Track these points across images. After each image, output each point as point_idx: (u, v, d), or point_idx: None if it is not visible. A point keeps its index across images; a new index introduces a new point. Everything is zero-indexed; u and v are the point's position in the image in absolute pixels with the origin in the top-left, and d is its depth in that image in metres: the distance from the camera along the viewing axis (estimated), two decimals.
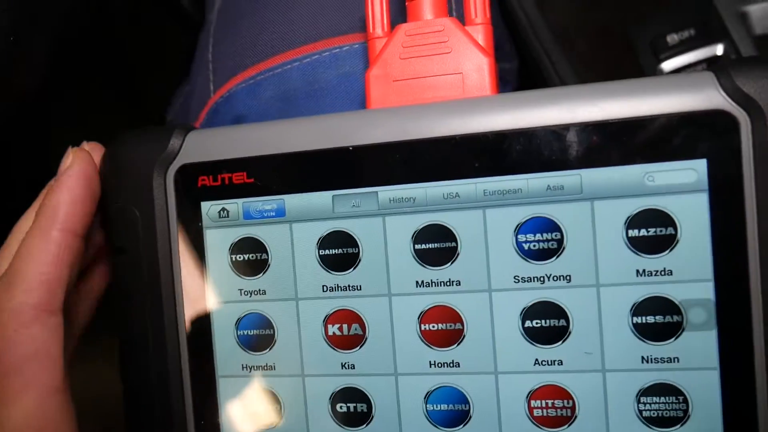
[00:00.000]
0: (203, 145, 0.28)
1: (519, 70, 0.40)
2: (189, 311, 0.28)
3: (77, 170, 0.27)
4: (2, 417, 0.24)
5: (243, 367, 0.28)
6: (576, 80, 0.36)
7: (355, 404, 0.27)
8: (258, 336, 0.28)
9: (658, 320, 0.24)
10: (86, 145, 0.29)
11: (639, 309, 0.24)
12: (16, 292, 0.25)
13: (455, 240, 0.26)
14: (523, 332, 0.25)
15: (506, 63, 0.38)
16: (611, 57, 0.36)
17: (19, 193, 0.30)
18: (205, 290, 0.28)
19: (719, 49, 0.33)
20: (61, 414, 0.25)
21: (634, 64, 0.35)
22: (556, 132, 0.24)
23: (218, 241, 0.28)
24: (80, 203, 0.27)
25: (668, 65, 0.34)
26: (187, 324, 0.28)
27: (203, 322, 0.28)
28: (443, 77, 0.27)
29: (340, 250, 0.27)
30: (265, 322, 0.28)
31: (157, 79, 0.49)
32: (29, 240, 0.26)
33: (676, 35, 0.34)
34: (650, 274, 0.24)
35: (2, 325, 0.25)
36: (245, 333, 0.28)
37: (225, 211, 0.28)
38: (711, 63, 0.33)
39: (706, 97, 0.23)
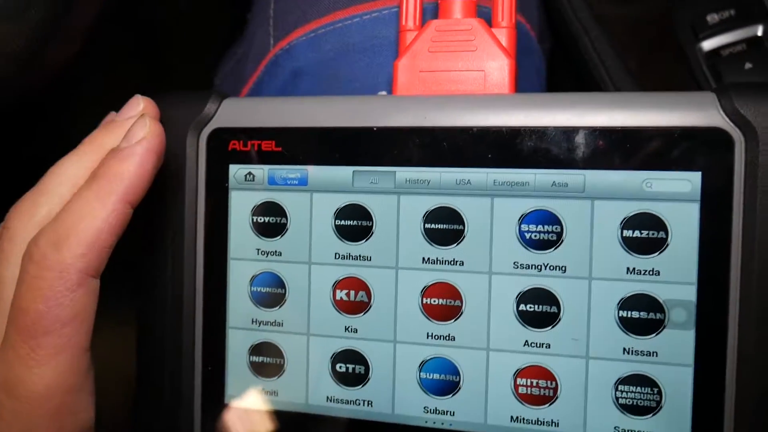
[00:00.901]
0: (237, 112, 0.30)
1: (552, 50, 0.41)
2: (208, 264, 0.30)
3: (152, 145, 0.26)
4: (36, 375, 0.24)
5: (252, 321, 0.30)
6: (614, 59, 0.37)
7: (354, 365, 0.29)
8: (270, 294, 0.30)
9: (642, 316, 0.26)
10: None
11: (626, 304, 0.26)
12: (67, 255, 0.24)
13: (463, 223, 0.28)
14: (516, 314, 0.27)
15: (542, 43, 0.40)
16: (651, 36, 0.37)
17: (41, 166, 0.30)
18: (224, 246, 0.30)
19: (759, 30, 0.34)
20: (87, 372, 0.26)
21: (673, 43, 0.35)
22: (566, 133, 0.26)
23: (242, 202, 0.30)
24: (146, 179, 0.26)
25: (707, 45, 0.34)
26: (205, 275, 0.30)
27: (220, 275, 0.30)
28: (467, 73, 0.29)
29: (355, 222, 0.29)
30: (277, 282, 0.30)
31: (188, 59, 0.50)
32: (86, 202, 0.25)
33: (716, 15, 0.34)
34: (639, 272, 0.26)
35: (48, 286, 0.24)
36: (258, 290, 0.30)
37: (251, 175, 0.30)
38: (750, 44, 0.34)
39: (706, 115, 0.25)
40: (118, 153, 0.26)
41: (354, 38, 0.35)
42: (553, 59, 0.41)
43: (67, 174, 0.27)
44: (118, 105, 0.30)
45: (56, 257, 0.24)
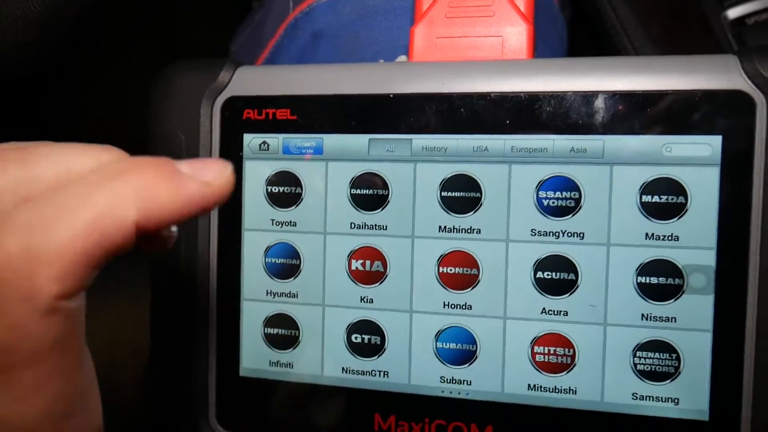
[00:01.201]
0: (251, 80, 0.30)
1: (572, 19, 0.41)
2: (222, 235, 0.30)
3: (218, 190, 0.20)
4: (19, 412, 0.18)
5: (267, 293, 0.30)
6: (637, 28, 0.37)
7: (369, 336, 0.29)
8: (285, 264, 0.30)
9: (660, 281, 0.26)
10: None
11: (644, 270, 0.26)
12: (39, 274, 0.17)
13: (480, 191, 0.28)
14: (534, 282, 0.27)
15: (564, 11, 0.39)
16: (675, 4, 0.36)
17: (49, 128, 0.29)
18: (239, 217, 0.30)
19: None
20: (87, 388, 0.20)
21: (697, 11, 0.35)
22: (585, 98, 0.26)
23: (256, 172, 0.30)
24: (180, 212, 0.19)
25: (732, 13, 0.34)
26: (219, 247, 0.30)
27: (234, 246, 0.30)
28: (484, 39, 0.29)
29: (371, 191, 0.29)
30: (292, 252, 0.30)
31: (202, 25, 0.50)
32: (84, 200, 0.17)
33: None
34: (658, 238, 0.26)
35: (14, 311, 0.17)
36: (273, 261, 0.30)
37: (266, 144, 0.30)
38: None
39: (728, 78, 0.25)
40: (167, 166, 0.19)
41: (374, 0, 0.35)
42: (574, 29, 0.41)
43: (68, 161, 0.19)
44: (129, 76, 0.30)
45: (24, 274, 0.17)
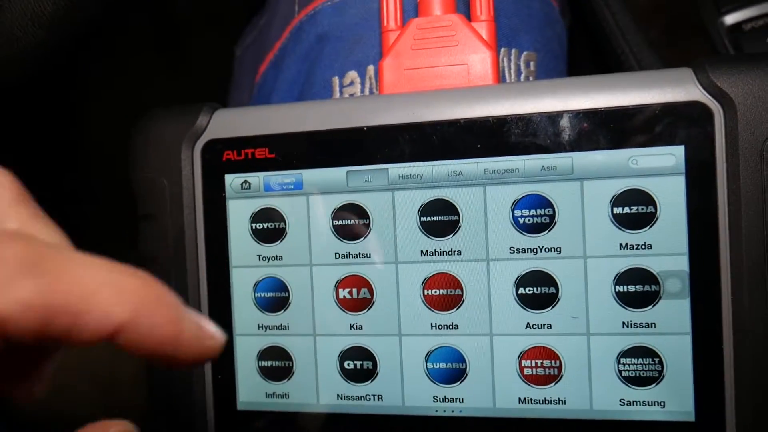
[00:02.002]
0: (229, 122, 0.31)
1: (572, 27, 0.41)
2: (210, 274, 0.31)
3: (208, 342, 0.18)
4: None
5: (259, 327, 0.31)
6: (635, 34, 0.37)
7: (361, 362, 0.30)
8: (274, 298, 0.30)
9: (638, 289, 0.27)
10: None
11: (621, 279, 0.27)
12: None
13: (458, 213, 0.28)
14: (516, 298, 0.28)
15: (564, 17, 0.40)
16: (673, 9, 0.37)
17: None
18: (226, 255, 0.31)
19: None
20: None
21: (695, 17, 0.35)
22: (551, 118, 0.27)
23: (240, 210, 0.31)
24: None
25: (730, 19, 0.35)
26: (209, 286, 0.31)
27: (223, 284, 0.31)
28: (450, 67, 0.30)
29: (352, 221, 0.29)
30: (281, 286, 0.30)
31: (207, 30, 0.51)
32: None
33: None
34: (632, 247, 0.27)
35: None
36: (262, 295, 0.31)
37: (247, 183, 0.30)
38: None
39: (684, 90, 0.26)
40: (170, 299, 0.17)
41: (378, 3, 0.35)
42: (573, 35, 0.41)
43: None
44: (131, 85, 0.30)
45: None
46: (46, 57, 0.35)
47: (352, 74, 0.34)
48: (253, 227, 0.31)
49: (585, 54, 0.43)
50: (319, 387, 0.30)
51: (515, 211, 0.28)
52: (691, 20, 0.37)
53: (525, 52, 0.34)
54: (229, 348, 0.31)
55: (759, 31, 0.35)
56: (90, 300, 0.15)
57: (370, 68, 0.34)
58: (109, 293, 0.15)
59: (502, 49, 0.33)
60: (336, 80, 0.34)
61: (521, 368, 0.28)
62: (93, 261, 0.16)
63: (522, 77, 0.34)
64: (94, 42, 0.44)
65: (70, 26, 0.34)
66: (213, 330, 0.18)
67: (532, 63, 0.34)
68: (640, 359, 0.27)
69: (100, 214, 0.49)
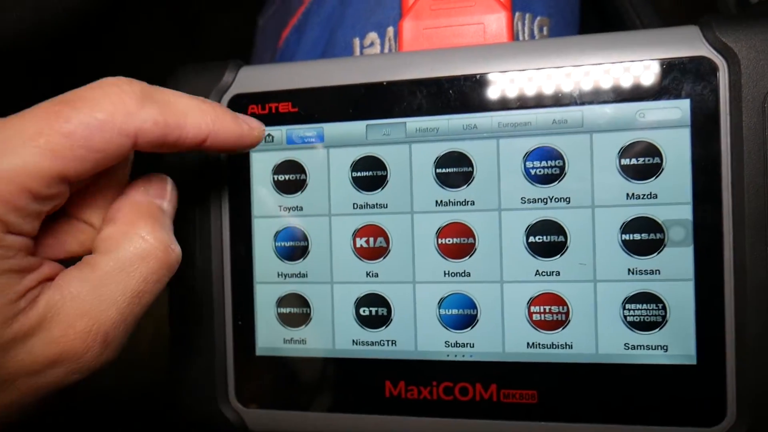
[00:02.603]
0: (254, 78, 0.32)
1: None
2: (233, 224, 0.32)
3: (254, 136, 0.26)
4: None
5: (278, 275, 0.32)
6: (646, 4, 0.38)
7: (376, 308, 0.31)
8: (293, 247, 0.32)
9: (643, 237, 0.28)
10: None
11: (627, 227, 0.28)
12: None
13: (472, 165, 0.30)
14: (527, 246, 0.29)
15: None
16: None
17: None
18: (248, 206, 0.32)
19: None
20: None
21: None
22: (563, 73, 0.29)
23: (263, 163, 0.32)
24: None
25: None
26: (231, 234, 0.32)
27: (245, 234, 0.32)
28: (467, 27, 0.31)
29: (370, 173, 0.31)
30: (300, 235, 0.32)
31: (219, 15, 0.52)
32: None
33: None
34: (638, 197, 0.28)
35: None
36: (282, 245, 0.32)
37: (270, 137, 0.32)
38: None
39: (691, 45, 0.28)
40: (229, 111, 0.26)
41: None
42: (584, 7, 0.42)
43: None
44: (151, 51, 0.31)
45: None
46: (71, 23, 0.36)
47: (372, 35, 0.36)
48: (275, 179, 0.32)
49: (596, 24, 0.44)
50: (335, 333, 0.31)
51: (527, 163, 0.29)
52: None
53: (539, 17, 0.35)
54: (249, 295, 0.32)
55: (767, 4, 0.36)
56: (187, 119, 0.23)
57: (390, 29, 0.35)
58: (197, 113, 0.24)
59: (517, 13, 0.35)
60: (357, 41, 0.36)
61: (530, 314, 0.29)
62: (180, 94, 0.24)
63: None
64: (114, 16, 0.45)
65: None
66: (256, 123, 0.26)
67: (545, 28, 0.35)
68: (644, 305, 0.28)
69: None
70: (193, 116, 0.23)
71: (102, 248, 0.23)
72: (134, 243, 0.23)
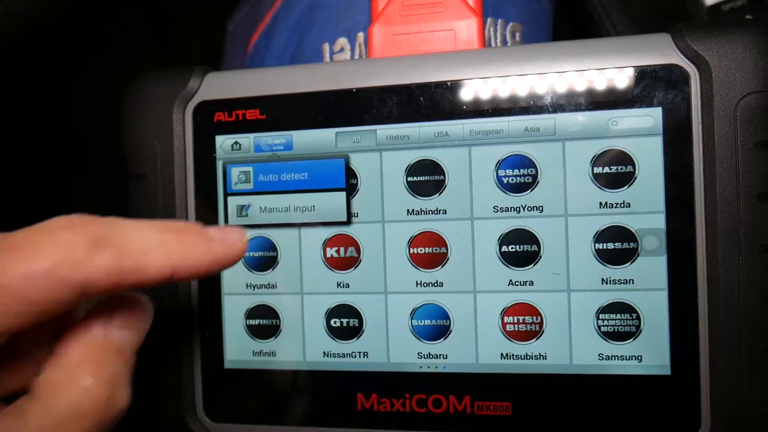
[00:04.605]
0: (220, 84, 0.31)
1: (557, 9, 0.42)
2: None
3: (235, 253, 0.23)
4: None
5: (247, 286, 0.31)
6: (620, 13, 0.38)
7: (348, 319, 0.30)
8: (262, 257, 0.31)
9: (617, 246, 0.28)
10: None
11: (601, 236, 0.28)
12: None
13: (443, 174, 0.29)
14: (499, 256, 0.29)
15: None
16: None
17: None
18: (215, 215, 0.31)
19: None
20: None
21: None
22: (534, 81, 0.28)
23: (230, 171, 0.31)
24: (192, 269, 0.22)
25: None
26: None
27: None
28: (437, 33, 0.31)
29: None
30: (269, 245, 0.31)
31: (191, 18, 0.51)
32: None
33: None
34: (611, 206, 0.28)
35: None
36: (251, 255, 0.31)
37: (237, 144, 0.31)
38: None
39: (662, 53, 0.27)
40: (202, 231, 0.22)
41: None
42: (557, 16, 0.42)
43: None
44: (121, 55, 0.30)
45: None
46: (34, 26, 0.35)
47: (342, 41, 0.35)
48: (242, 188, 0.31)
49: (569, 31, 0.44)
50: (305, 344, 0.31)
51: (499, 171, 0.29)
52: (673, 1, 0.38)
53: (511, 23, 0.35)
54: (216, 307, 0.31)
55: (737, 11, 0.36)
56: (148, 259, 0.20)
57: (360, 35, 0.35)
58: (160, 251, 0.21)
59: (489, 19, 0.34)
60: (326, 47, 0.35)
61: (503, 324, 0.29)
62: (140, 225, 0.21)
63: None
64: (81, 17, 0.44)
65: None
66: (236, 237, 0.23)
67: (517, 34, 0.35)
68: (618, 315, 0.28)
69: (89, 184, 0.49)
70: (154, 255, 0.20)
71: (37, 394, 0.20)
72: (73, 395, 0.20)
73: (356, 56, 0.35)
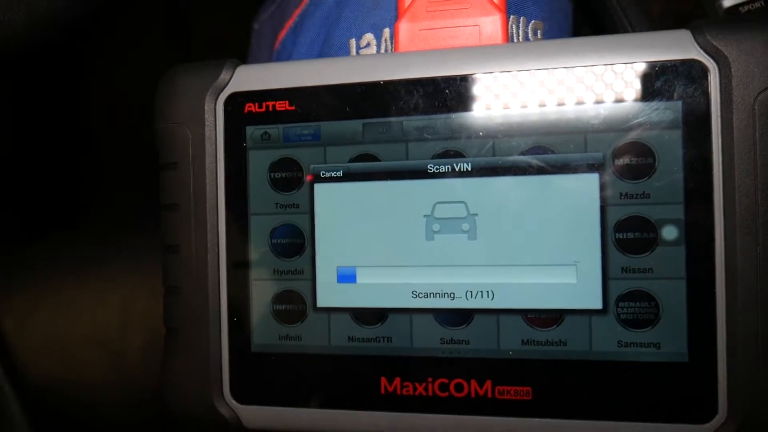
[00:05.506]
0: (251, 77, 0.32)
1: (575, 9, 0.43)
2: (229, 221, 0.32)
3: None
4: None
5: (274, 272, 0.32)
6: (638, 13, 0.39)
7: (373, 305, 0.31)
8: (290, 244, 0.32)
9: (636, 236, 0.29)
10: None
11: (621, 226, 0.29)
12: None
13: (468, 161, 0.30)
14: None
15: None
16: None
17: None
18: (245, 203, 0.32)
19: None
20: None
21: None
22: (558, 74, 0.29)
23: (259, 160, 0.32)
24: None
25: (728, 1, 0.36)
26: (227, 233, 0.32)
27: (241, 231, 0.32)
28: (462, 28, 0.32)
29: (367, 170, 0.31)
30: (296, 232, 0.32)
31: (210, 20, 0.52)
32: None
33: None
34: (631, 196, 0.29)
35: None
36: (278, 242, 0.32)
37: (267, 135, 0.32)
38: None
39: (683, 49, 0.28)
40: None
41: None
42: (576, 17, 0.42)
43: None
44: (144, 57, 0.31)
45: None
46: (62, 27, 0.36)
47: (369, 36, 0.36)
48: (272, 176, 0.32)
49: (588, 30, 0.45)
50: (331, 329, 0.32)
51: (519, 159, 0.29)
52: (691, 2, 0.39)
53: (533, 21, 0.36)
54: (245, 292, 0.32)
55: (755, 13, 0.37)
56: None
57: (386, 31, 0.36)
58: None
59: (511, 17, 0.35)
60: (353, 42, 0.36)
61: (527, 315, 0.30)
62: None
63: None
64: (102, 24, 0.46)
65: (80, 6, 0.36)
66: None
67: (539, 31, 0.36)
68: (637, 303, 0.29)
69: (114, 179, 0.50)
70: None
71: None
72: None
73: (382, 51, 0.36)
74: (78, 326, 0.46)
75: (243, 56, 0.50)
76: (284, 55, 0.41)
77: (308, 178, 0.31)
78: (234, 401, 0.32)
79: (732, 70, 0.27)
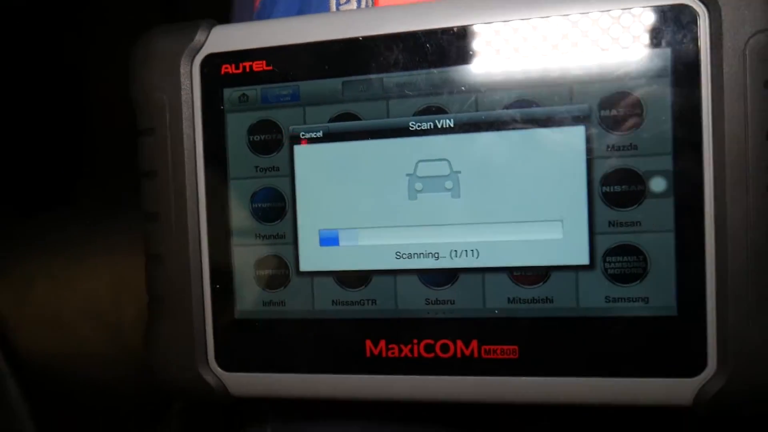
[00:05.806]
0: (227, 37, 0.31)
1: None
2: (209, 186, 0.31)
3: None
4: None
5: (256, 236, 0.31)
6: None
7: (356, 268, 0.31)
8: (271, 208, 0.31)
9: (624, 189, 0.28)
10: None
11: (608, 179, 0.28)
12: None
13: (450, 117, 0.29)
14: None
15: None
16: None
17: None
18: (224, 167, 0.31)
19: None
20: None
21: None
22: (543, 24, 0.28)
23: (238, 123, 0.31)
24: None
25: None
26: (207, 198, 0.31)
27: (221, 196, 0.31)
28: None
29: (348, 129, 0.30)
30: (277, 196, 0.31)
31: None
32: None
33: None
34: (618, 148, 0.28)
35: None
36: (259, 206, 0.31)
37: (245, 96, 0.31)
38: None
39: None
40: None
41: None
42: None
43: None
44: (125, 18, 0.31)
45: None
46: None
47: None
48: (251, 139, 0.31)
49: None
50: (314, 293, 0.31)
51: (503, 113, 0.29)
52: None
53: None
54: (227, 258, 0.32)
55: None
56: None
57: None
58: None
59: None
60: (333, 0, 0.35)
61: (510, 269, 0.29)
62: None
63: None
64: None
65: None
66: None
67: None
68: (625, 257, 0.28)
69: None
70: None
71: None
72: None
73: (363, 7, 0.35)
74: (73, 301, 0.45)
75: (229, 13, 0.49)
76: (264, 15, 0.39)
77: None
78: (219, 369, 0.32)
79: (722, 13, 0.26)
